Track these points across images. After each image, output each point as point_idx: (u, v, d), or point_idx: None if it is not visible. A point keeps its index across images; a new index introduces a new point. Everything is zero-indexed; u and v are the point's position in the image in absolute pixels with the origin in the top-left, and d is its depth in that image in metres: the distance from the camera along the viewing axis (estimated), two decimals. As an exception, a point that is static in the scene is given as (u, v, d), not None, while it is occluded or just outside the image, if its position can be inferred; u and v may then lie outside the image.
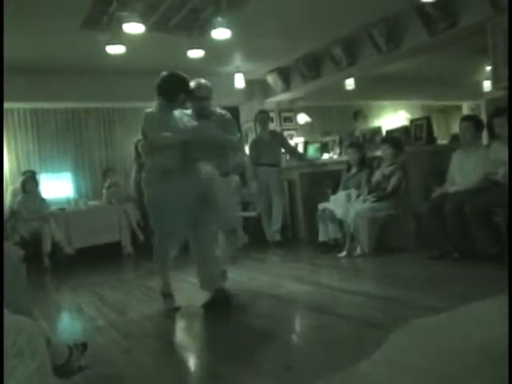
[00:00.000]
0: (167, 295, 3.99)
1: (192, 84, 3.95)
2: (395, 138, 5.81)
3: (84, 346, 2.48)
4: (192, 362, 2.97)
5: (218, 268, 3.97)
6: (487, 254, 4.38)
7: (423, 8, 5.79)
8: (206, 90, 4.10)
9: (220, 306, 3.78)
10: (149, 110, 3.84)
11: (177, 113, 3.89)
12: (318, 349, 2.84)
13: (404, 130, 6.16)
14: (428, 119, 5.97)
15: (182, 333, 3.55)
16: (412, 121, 6.27)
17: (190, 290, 4.37)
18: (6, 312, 1.71)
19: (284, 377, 2.47)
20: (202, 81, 4.12)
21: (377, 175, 5.64)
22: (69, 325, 4.27)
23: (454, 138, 6.65)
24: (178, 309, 3.92)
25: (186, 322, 3.66)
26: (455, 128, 7.39)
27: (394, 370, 2.39)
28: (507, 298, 2.83)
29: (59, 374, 2.14)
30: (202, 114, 4.06)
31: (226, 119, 4.20)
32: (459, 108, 12.20)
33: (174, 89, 3.79)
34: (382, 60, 6.95)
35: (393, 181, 5.45)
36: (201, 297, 3.91)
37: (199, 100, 4.05)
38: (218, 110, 4.26)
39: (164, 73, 3.84)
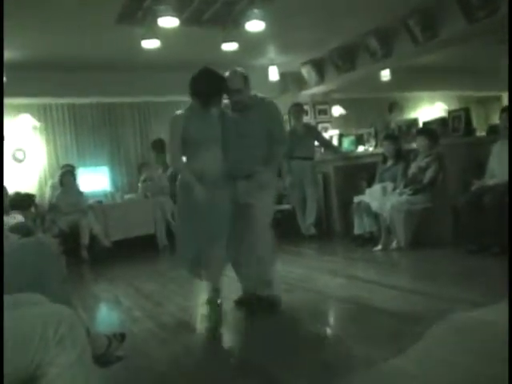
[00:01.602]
0: (215, 290, 3.58)
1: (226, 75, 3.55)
2: (430, 130, 5.71)
3: (122, 336, 2.51)
4: (227, 356, 2.98)
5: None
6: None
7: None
8: (238, 82, 3.53)
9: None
10: (178, 112, 3.56)
11: (213, 112, 3.57)
12: (353, 342, 2.82)
13: (441, 121, 6.06)
14: (466, 110, 5.85)
15: (216, 326, 3.56)
16: (450, 112, 6.16)
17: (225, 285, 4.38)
18: (46, 301, 1.75)
19: (319, 370, 2.47)
20: (234, 71, 3.58)
21: (412, 168, 5.55)
22: (106, 315, 4.35)
23: (492, 129, 6.49)
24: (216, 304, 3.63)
25: (220, 314, 3.67)
26: (495, 119, 7.22)
27: (432, 366, 2.36)
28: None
29: (98, 363, 2.17)
30: (237, 107, 3.60)
31: (268, 110, 3.64)
32: (499, 98, 11.88)
33: (210, 90, 3.44)
34: (418, 50, 6.82)
35: (429, 173, 5.35)
36: (235, 292, 3.92)
37: (232, 93, 3.55)
38: (258, 98, 3.68)
39: (199, 71, 3.47)
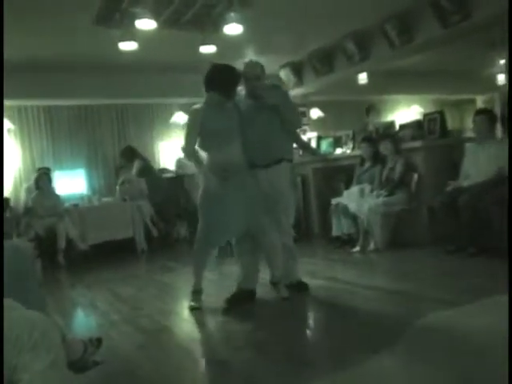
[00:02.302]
0: (197, 292, 3.83)
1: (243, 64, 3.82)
2: (391, 134, 5.99)
3: (99, 341, 2.49)
4: (206, 357, 2.97)
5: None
6: (502, 248, 4.33)
7: (436, 1, 5.73)
8: (256, 70, 3.81)
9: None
10: (196, 106, 3.70)
11: (230, 105, 3.75)
12: (333, 343, 2.83)
13: (417, 124, 6.12)
14: (441, 113, 5.92)
15: (196, 328, 3.55)
16: (425, 115, 6.22)
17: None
18: (20, 307, 1.72)
19: (299, 371, 2.47)
20: (252, 60, 3.92)
21: (385, 172, 5.65)
22: (83, 320, 4.29)
23: (458, 134, 6.58)
24: (199, 308, 3.77)
25: (200, 317, 3.67)
26: (469, 121, 7.34)
27: (411, 364, 2.38)
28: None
29: (74, 369, 2.15)
30: (253, 94, 3.80)
31: (279, 96, 3.91)
32: (473, 101, 12.08)
33: (230, 82, 3.65)
34: (394, 54, 6.89)
35: (398, 168, 5.49)
36: (214, 293, 3.92)
37: (251, 80, 3.79)
38: (271, 86, 4.01)
39: (214, 66, 3.68)
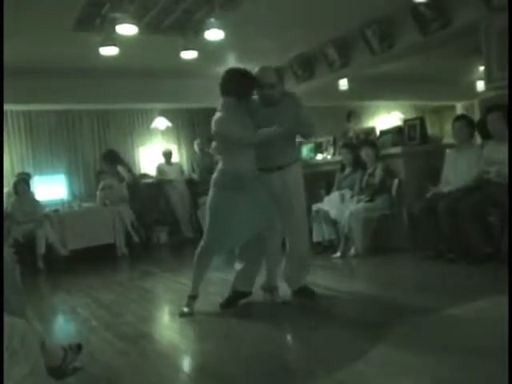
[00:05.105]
0: (193, 297, 3.79)
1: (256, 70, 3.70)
2: (371, 141, 6.02)
3: (79, 347, 2.47)
4: (187, 364, 2.97)
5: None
6: (482, 253, 4.38)
7: (416, 8, 5.80)
8: (273, 77, 3.69)
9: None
10: (219, 114, 3.62)
11: (243, 110, 3.67)
12: (313, 349, 2.84)
13: (398, 130, 6.17)
14: (421, 119, 5.98)
15: (176, 334, 3.54)
16: (405, 121, 6.28)
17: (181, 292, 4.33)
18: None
19: (280, 377, 2.47)
20: (267, 66, 3.77)
21: (365, 177, 5.69)
22: (63, 326, 4.25)
23: (438, 140, 6.65)
24: (190, 314, 3.73)
25: (180, 323, 3.65)
26: (448, 127, 7.42)
27: (390, 370, 2.40)
28: (505, 298, 2.85)
29: (54, 375, 2.13)
30: (268, 102, 3.70)
31: (293, 102, 3.82)
32: (453, 108, 12.23)
33: (247, 87, 3.61)
34: (375, 60, 6.96)
35: (378, 173, 5.52)
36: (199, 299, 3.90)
37: (264, 88, 3.65)
38: (285, 94, 3.88)
39: (229, 70, 3.69)
